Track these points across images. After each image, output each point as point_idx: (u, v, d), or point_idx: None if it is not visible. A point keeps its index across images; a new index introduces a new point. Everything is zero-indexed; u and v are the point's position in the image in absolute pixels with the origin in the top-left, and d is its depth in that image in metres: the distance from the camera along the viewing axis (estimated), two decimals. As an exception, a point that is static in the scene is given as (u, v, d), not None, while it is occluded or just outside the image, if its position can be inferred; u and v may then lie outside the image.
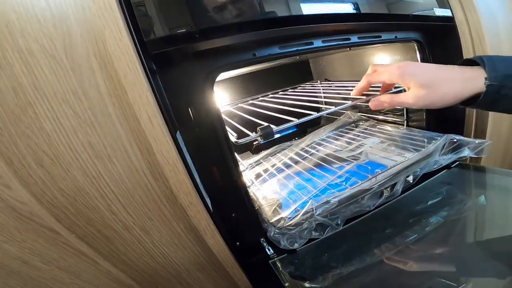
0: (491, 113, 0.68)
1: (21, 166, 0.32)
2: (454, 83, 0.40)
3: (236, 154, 0.48)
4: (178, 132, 0.36)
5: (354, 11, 0.51)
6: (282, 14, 0.43)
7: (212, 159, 0.44)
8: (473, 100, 0.40)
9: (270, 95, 0.96)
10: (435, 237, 0.47)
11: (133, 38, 0.33)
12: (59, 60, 0.31)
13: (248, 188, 0.52)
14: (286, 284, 0.42)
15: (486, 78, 0.37)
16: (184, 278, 0.47)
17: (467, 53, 0.65)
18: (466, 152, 0.57)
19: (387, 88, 0.54)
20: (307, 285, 0.43)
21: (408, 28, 0.63)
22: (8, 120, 0.31)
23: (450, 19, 0.63)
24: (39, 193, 0.33)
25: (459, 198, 0.57)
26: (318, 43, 0.51)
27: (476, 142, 0.56)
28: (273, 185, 0.62)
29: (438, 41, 0.66)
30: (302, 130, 1.06)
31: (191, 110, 0.40)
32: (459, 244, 0.46)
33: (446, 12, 0.62)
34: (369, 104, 0.50)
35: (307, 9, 0.45)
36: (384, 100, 0.47)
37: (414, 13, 0.58)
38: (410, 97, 0.42)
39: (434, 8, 0.60)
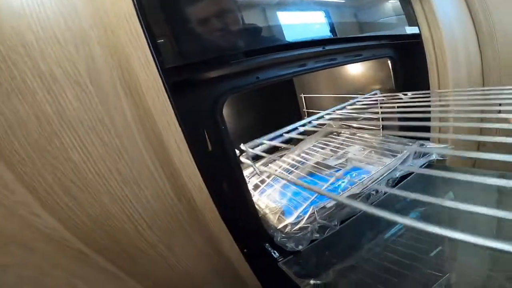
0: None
1: (46, 194, 0.33)
2: None
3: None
4: (199, 155, 0.39)
5: (339, 36, 0.58)
6: (280, 41, 0.48)
7: (224, 175, 0.47)
8: None
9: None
10: (416, 230, 0.54)
11: (158, 67, 0.34)
12: (83, 86, 0.31)
13: (252, 199, 0.56)
14: (298, 285, 0.46)
15: None
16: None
17: (431, 66, 0.74)
18: (433, 156, 0.66)
19: None
20: (312, 281, 0.47)
21: (383, 46, 0.71)
22: (31, 150, 0.31)
23: (418, 36, 0.72)
24: (65, 219, 0.34)
25: (430, 195, 0.65)
26: (311, 64, 0.56)
27: (442, 147, 0.65)
28: (273, 195, 0.66)
29: (408, 56, 0.76)
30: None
31: (206, 134, 0.43)
32: (437, 236, 0.53)
33: (414, 30, 0.71)
34: None
35: (302, 35, 0.50)
36: None
37: (389, 34, 0.66)
38: None
39: (405, 27, 0.69)
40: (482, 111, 0.45)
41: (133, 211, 0.36)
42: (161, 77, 0.35)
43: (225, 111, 0.99)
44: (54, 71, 0.30)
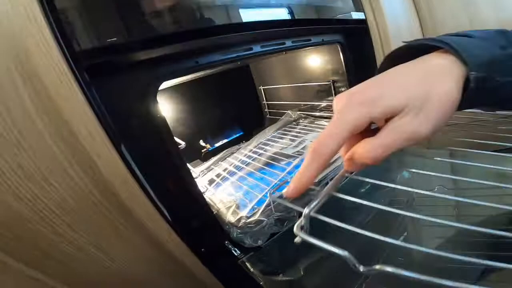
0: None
1: None
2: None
3: (188, 165, 0.47)
4: (123, 145, 0.34)
5: (287, 17, 0.56)
6: (223, 22, 0.44)
7: (162, 169, 0.43)
8: None
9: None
10: (382, 218, 0.54)
11: (63, 50, 0.30)
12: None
13: (203, 194, 0.52)
14: (261, 283, 0.43)
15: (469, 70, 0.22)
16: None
17: (378, 52, 0.76)
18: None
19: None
20: (280, 279, 0.45)
21: (332, 31, 0.71)
22: None
23: (364, 22, 0.73)
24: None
25: (389, 176, 0.67)
26: (257, 48, 0.53)
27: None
28: (228, 188, 0.63)
29: (356, 42, 0.76)
30: (249, 133, 1.10)
31: (134, 122, 0.38)
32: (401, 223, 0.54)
33: (360, 15, 0.72)
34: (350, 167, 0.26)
35: (246, 16, 0.47)
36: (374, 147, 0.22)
37: (336, 18, 0.66)
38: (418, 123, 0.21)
39: (352, 12, 0.70)
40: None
41: (46, 211, 0.30)
42: (65, 60, 0.30)
43: (183, 107, 0.96)
44: None
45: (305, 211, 0.26)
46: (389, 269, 0.18)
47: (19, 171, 0.29)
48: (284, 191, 0.24)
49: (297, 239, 0.23)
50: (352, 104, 0.21)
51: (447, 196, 0.26)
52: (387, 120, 0.21)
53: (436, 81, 0.21)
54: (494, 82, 0.22)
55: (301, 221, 0.25)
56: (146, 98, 0.39)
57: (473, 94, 0.22)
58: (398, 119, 0.20)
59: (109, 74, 0.36)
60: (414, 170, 0.31)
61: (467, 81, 0.22)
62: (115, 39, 0.35)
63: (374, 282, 0.43)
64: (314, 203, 0.28)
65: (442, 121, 0.21)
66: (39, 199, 0.30)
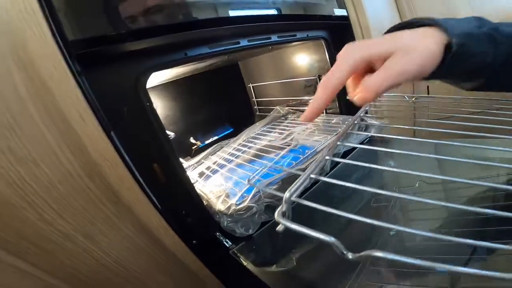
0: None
1: None
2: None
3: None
4: (112, 131, 0.35)
5: (273, 13, 0.58)
6: (211, 15, 0.46)
7: (152, 157, 0.44)
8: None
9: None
10: (371, 207, 0.56)
11: (57, 40, 0.31)
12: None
13: (193, 185, 0.53)
14: (255, 274, 0.43)
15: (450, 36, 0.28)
16: (146, 283, 0.45)
17: (360, 47, 0.79)
18: (372, 131, 0.70)
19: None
20: (274, 269, 0.45)
21: (316, 27, 0.74)
22: None
23: (346, 18, 0.76)
24: None
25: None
26: (244, 42, 0.55)
27: (378, 123, 0.70)
28: (218, 179, 0.64)
29: (339, 38, 0.79)
30: (239, 130, 1.11)
31: (124, 110, 0.39)
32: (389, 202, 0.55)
33: (343, 12, 0.75)
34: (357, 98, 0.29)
35: (234, 11, 0.49)
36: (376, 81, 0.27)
37: (320, 14, 0.68)
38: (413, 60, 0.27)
39: (334, 9, 0.73)
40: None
41: (34, 196, 0.31)
42: (60, 49, 0.31)
43: (173, 105, 0.97)
44: None
45: (286, 195, 0.26)
46: (378, 253, 0.18)
47: (9, 155, 0.29)
48: (301, 116, 0.30)
49: (279, 227, 0.23)
50: (352, 48, 0.28)
51: (432, 175, 0.27)
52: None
53: (421, 38, 0.28)
54: (469, 50, 0.28)
55: (282, 206, 0.26)
56: (136, 88, 0.40)
57: (449, 61, 0.28)
58: (390, 59, 0.27)
59: (100, 63, 0.37)
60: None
61: (447, 50, 0.28)
62: (105, 30, 0.36)
63: (369, 275, 0.43)
64: (295, 187, 0.28)
65: (423, 67, 0.27)
66: (28, 183, 0.30)
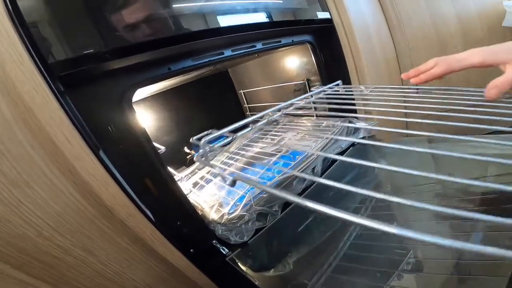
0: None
1: None
2: None
3: (170, 168, 0.49)
4: (101, 150, 0.36)
5: (257, 21, 0.59)
6: (193, 29, 0.46)
7: (143, 172, 0.44)
8: None
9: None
10: (366, 205, 0.56)
11: (36, 62, 0.32)
12: None
13: (187, 196, 0.53)
14: (253, 280, 0.44)
15: None
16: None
17: (345, 48, 0.80)
18: (361, 134, 0.71)
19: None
20: (271, 274, 0.45)
21: (301, 32, 0.75)
22: None
23: (330, 21, 0.77)
24: None
25: (368, 167, 0.69)
26: (228, 52, 0.56)
27: (367, 125, 0.70)
28: (211, 189, 0.64)
29: (324, 41, 0.80)
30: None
31: (111, 128, 0.40)
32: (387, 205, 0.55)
33: (326, 15, 0.76)
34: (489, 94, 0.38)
35: (215, 22, 0.50)
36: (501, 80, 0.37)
37: (304, 18, 0.69)
38: None
39: (317, 12, 0.73)
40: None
41: (30, 215, 0.32)
42: (39, 71, 0.32)
43: (166, 115, 0.98)
44: None
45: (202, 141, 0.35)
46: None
47: (2, 177, 0.30)
48: (403, 74, 0.47)
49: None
50: (476, 51, 0.40)
51: (423, 174, 0.27)
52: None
53: None
54: None
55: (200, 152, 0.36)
56: (121, 105, 0.41)
57: None
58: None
59: (83, 83, 0.38)
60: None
61: None
62: (86, 50, 0.37)
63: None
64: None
65: None
66: (23, 203, 0.31)
